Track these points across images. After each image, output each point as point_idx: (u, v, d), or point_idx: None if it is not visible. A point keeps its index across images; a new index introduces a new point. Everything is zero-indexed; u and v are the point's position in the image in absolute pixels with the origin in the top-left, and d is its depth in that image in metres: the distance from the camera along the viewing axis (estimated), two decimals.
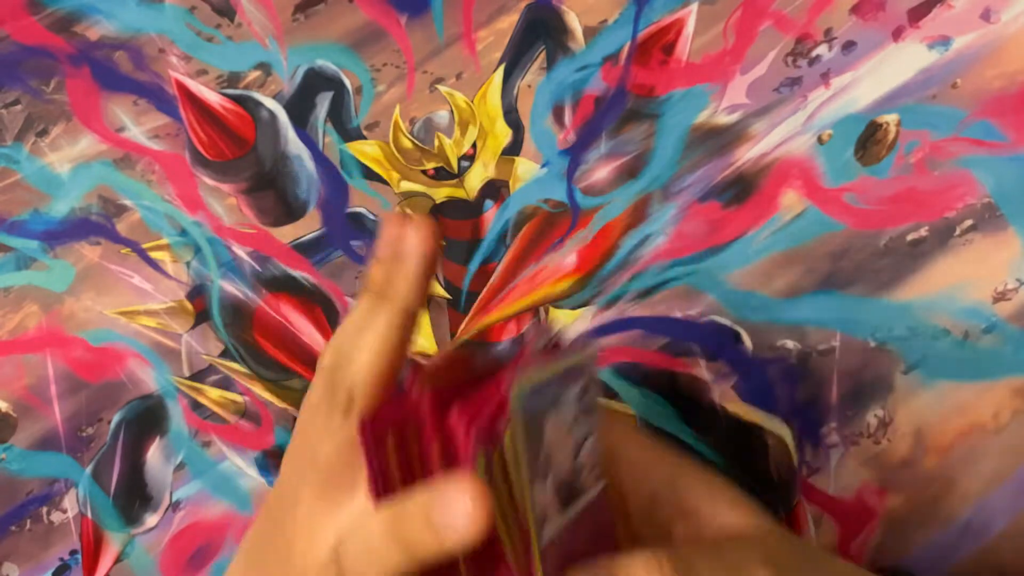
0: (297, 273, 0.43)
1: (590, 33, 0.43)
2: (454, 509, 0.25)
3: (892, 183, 0.43)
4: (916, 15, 0.43)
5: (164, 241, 0.43)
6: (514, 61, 0.43)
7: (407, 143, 0.43)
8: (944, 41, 0.43)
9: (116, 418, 0.42)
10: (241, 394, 0.43)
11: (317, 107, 0.43)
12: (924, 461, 0.41)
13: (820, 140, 0.43)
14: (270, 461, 0.43)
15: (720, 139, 0.43)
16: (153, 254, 0.43)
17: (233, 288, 0.43)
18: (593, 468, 0.29)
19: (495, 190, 0.43)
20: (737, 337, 0.42)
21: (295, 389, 0.42)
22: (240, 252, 0.43)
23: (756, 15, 0.43)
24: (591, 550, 0.28)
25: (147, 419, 0.42)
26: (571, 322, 0.42)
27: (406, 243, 0.30)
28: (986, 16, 0.43)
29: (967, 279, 0.42)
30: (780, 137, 0.43)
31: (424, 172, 0.43)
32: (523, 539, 0.26)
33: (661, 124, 0.43)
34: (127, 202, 0.43)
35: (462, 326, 0.43)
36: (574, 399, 0.28)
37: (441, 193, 0.43)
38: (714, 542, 0.31)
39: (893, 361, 0.42)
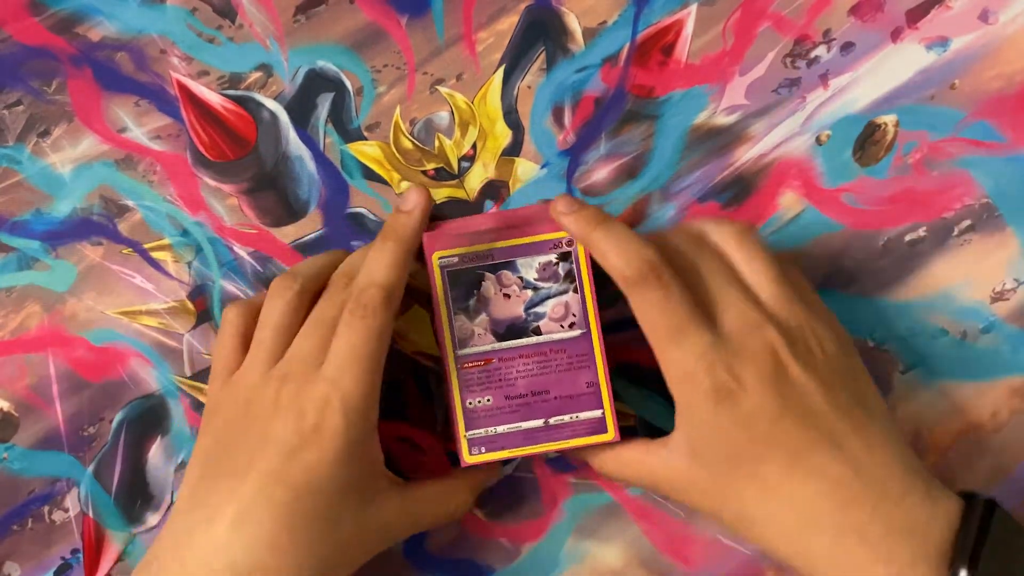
0: None
1: (590, 34, 0.43)
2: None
3: (890, 183, 0.43)
4: (914, 16, 0.43)
5: (166, 241, 0.43)
6: (514, 62, 0.43)
7: (407, 144, 0.43)
8: (942, 42, 0.43)
9: (118, 417, 0.42)
10: None
11: (318, 108, 0.43)
12: (923, 460, 0.42)
13: (819, 141, 0.43)
14: None
15: (719, 140, 0.43)
16: (154, 254, 0.43)
17: (234, 288, 0.43)
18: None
19: (495, 190, 0.43)
20: None
21: None
22: (241, 252, 0.43)
23: (755, 16, 0.43)
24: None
25: (149, 418, 0.42)
26: None
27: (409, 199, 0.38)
28: (984, 17, 0.43)
29: (965, 279, 0.42)
30: (779, 138, 0.43)
31: (424, 173, 0.43)
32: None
33: (660, 125, 0.43)
34: (129, 202, 0.43)
35: None
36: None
37: (441, 193, 0.43)
38: None
39: (892, 361, 0.42)
